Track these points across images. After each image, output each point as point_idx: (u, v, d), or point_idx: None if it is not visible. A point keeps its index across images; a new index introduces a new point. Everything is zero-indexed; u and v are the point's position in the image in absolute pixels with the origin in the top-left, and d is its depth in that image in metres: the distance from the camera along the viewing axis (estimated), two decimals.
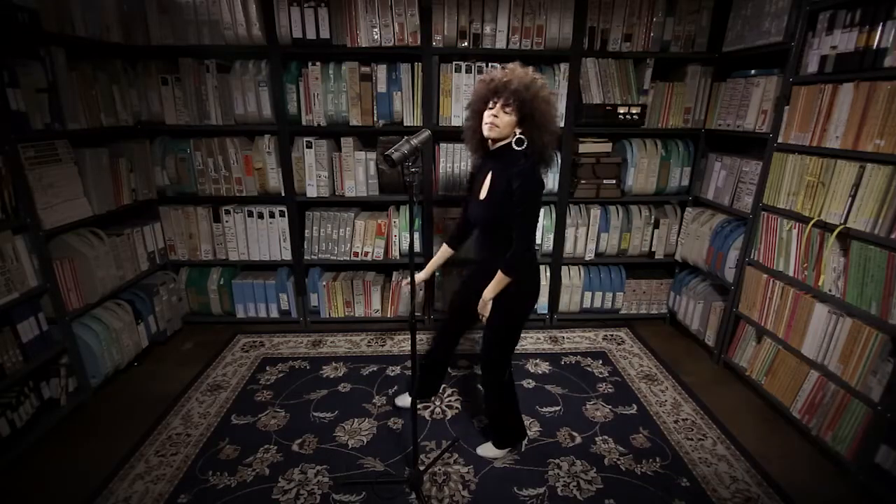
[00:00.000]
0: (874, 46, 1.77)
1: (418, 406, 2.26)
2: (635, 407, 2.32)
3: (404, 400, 2.25)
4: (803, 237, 2.09)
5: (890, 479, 1.72)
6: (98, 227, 2.44)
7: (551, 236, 2.97)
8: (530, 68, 1.63)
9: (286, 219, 2.91)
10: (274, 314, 3.11)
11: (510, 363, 1.89)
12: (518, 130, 1.60)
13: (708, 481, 1.88)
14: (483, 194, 1.70)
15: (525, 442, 2.07)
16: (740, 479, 1.89)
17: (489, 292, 1.73)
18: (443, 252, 2.04)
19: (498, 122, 1.57)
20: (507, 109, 1.56)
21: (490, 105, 1.58)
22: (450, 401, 2.34)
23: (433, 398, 2.33)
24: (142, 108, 2.72)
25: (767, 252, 2.34)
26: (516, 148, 1.61)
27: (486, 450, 1.99)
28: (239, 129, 2.79)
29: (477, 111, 1.65)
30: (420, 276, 2.05)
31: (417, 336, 1.87)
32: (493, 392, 1.91)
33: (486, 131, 1.60)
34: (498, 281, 1.69)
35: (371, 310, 3.10)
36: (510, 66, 1.62)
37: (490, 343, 1.84)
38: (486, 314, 1.78)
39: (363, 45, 2.57)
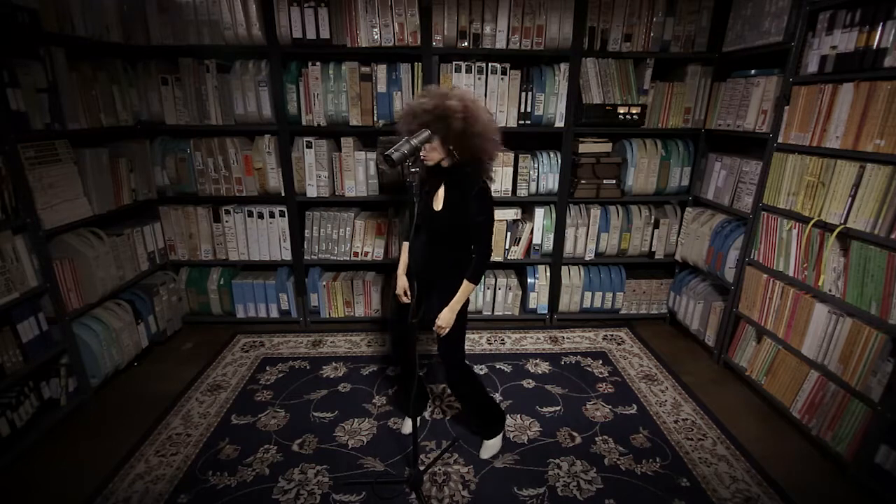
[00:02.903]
0: (874, 46, 1.77)
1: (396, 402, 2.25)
2: (635, 407, 2.32)
3: (408, 426, 2.14)
4: (803, 237, 2.09)
5: (890, 479, 1.72)
6: (98, 227, 2.44)
7: (551, 236, 2.97)
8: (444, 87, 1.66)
9: (286, 219, 2.91)
10: (274, 314, 3.11)
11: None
12: (450, 147, 1.65)
13: (708, 481, 1.88)
14: (438, 206, 1.77)
15: (525, 441, 2.08)
16: (740, 479, 1.89)
17: (456, 304, 1.75)
18: (405, 248, 1.96)
19: (428, 154, 1.65)
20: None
21: None
22: (450, 401, 2.34)
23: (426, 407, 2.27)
24: (142, 108, 2.72)
25: (767, 252, 2.34)
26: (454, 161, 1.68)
27: (487, 449, 1.99)
28: (239, 129, 2.79)
29: (409, 134, 1.69)
30: (402, 283, 1.94)
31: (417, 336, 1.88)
32: (465, 386, 1.92)
33: (426, 162, 1.68)
34: (465, 291, 1.75)
35: (371, 310, 3.10)
36: (426, 92, 1.68)
37: (453, 345, 1.85)
38: (450, 326, 1.77)
39: (363, 45, 2.57)
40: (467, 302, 1.85)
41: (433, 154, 1.66)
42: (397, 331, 2.00)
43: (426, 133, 1.60)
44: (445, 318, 1.76)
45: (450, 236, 1.78)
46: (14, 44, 2.02)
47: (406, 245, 1.93)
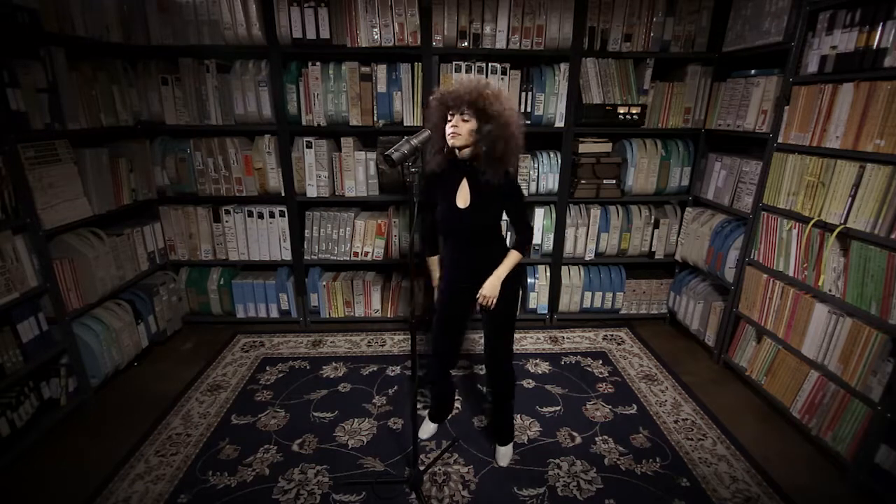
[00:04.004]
0: (874, 46, 1.77)
1: (418, 406, 2.25)
2: (635, 407, 2.32)
3: (427, 429, 2.12)
4: (803, 237, 2.09)
5: (890, 479, 1.72)
6: (98, 227, 2.44)
7: (551, 236, 2.97)
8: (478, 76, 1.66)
9: (286, 219, 2.91)
10: (274, 314, 3.10)
11: None
12: (484, 136, 1.63)
13: (708, 481, 1.88)
14: (463, 202, 1.73)
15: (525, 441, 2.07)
16: (740, 479, 1.89)
17: (503, 272, 1.74)
18: (435, 263, 1.97)
19: (459, 130, 1.62)
20: (465, 118, 1.61)
21: (448, 118, 1.65)
22: None
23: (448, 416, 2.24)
24: (142, 108, 2.72)
25: (767, 252, 2.34)
26: (484, 147, 1.63)
27: (504, 455, 1.96)
28: (239, 129, 2.79)
29: (435, 126, 1.69)
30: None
31: (417, 336, 1.87)
32: (508, 387, 1.93)
33: (451, 142, 1.65)
34: (513, 261, 1.76)
35: (371, 310, 3.10)
36: (457, 78, 1.69)
37: (506, 334, 1.88)
38: (496, 296, 1.75)
39: (363, 45, 2.57)
40: (518, 285, 1.87)
41: (467, 136, 1.62)
42: (446, 346, 1.97)
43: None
44: (491, 286, 1.74)
45: (484, 232, 1.77)
46: (14, 44, 2.01)
47: (434, 259, 1.96)
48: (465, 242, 1.78)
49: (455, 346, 2.01)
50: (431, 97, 1.71)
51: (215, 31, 2.55)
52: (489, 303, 1.76)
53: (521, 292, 1.88)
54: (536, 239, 2.99)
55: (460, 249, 1.80)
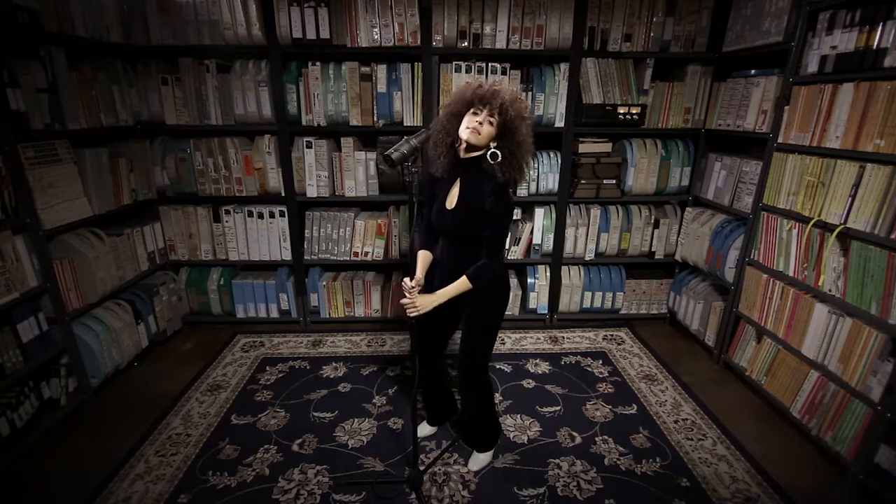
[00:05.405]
0: (874, 46, 1.77)
1: (418, 407, 2.25)
2: (635, 407, 2.32)
3: (424, 429, 2.12)
4: (803, 237, 2.09)
5: (890, 479, 1.72)
6: (98, 227, 2.44)
7: (551, 236, 2.97)
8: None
9: (286, 219, 2.91)
10: (274, 314, 3.11)
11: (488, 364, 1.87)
12: (493, 144, 1.57)
13: (708, 481, 1.88)
14: (451, 203, 1.66)
15: (525, 441, 2.07)
16: (740, 479, 1.89)
17: (444, 295, 1.65)
18: (424, 257, 1.84)
19: (482, 129, 1.54)
20: (492, 120, 1.53)
21: (475, 111, 1.55)
22: None
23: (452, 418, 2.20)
24: (142, 108, 2.72)
25: (767, 252, 2.34)
26: (490, 161, 1.57)
27: (477, 461, 1.94)
28: (239, 129, 2.79)
29: (457, 113, 1.59)
30: (418, 277, 1.83)
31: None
32: (477, 396, 1.86)
33: (465, 135, 1.55)
34: (459, 286, 1.64)
35: (371, 310, 3.10)
36: (499, 80, 1.63)
37: (475, 345, 1.78)
38: (421, 309, 1.64)
39: (363, 45, 2.58)
40: (500, 301, 1.76)
41: (486, 138, 1.54)
42: (425, 351, 1.89)
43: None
44: (422, 300, 1.64)
45: (465, 236, 1.66)
46: (14, 44, 2.01)
47: (422, 253, 1.83)
48: (450, 243, 1.73)
49: (436, 343, 1.92)
50: (466, 83, 1.61)
51: (215, 31, 2.55)
52: (413, 312, 1.64)
53: (500, 303, 1.77)
54: (537, 239, 2.99)
55: (445, 248, 1.75)
